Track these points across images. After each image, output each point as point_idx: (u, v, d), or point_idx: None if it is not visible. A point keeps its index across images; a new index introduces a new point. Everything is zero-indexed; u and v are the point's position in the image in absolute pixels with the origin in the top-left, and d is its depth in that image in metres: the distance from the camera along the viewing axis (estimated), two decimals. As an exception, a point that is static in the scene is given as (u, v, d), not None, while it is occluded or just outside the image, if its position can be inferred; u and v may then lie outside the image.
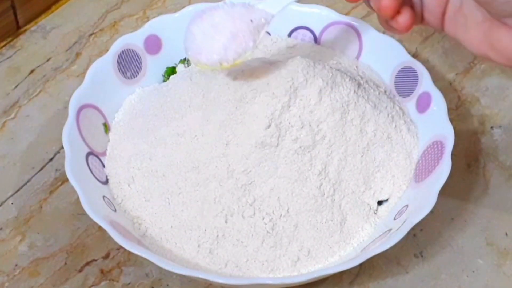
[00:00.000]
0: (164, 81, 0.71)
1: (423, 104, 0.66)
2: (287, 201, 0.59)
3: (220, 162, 0.59)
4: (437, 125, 0.64)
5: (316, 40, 0.73)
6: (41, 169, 0.68)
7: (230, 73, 0.62)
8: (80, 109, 0.64)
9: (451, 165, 0.60)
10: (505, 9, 0.48)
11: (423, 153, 0.64)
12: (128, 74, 0.69)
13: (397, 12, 0.54)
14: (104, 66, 0.68)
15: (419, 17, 0.56)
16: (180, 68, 0.71)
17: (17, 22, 0.80)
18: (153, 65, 0.71)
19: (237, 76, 0.62)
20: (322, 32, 0.73)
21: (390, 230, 0.58)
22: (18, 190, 0.67)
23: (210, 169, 0.59)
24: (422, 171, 0.62)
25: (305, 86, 0.60)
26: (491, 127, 0.72)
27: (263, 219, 0.58)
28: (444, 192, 0.58)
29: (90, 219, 0.56)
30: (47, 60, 0.78)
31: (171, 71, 0.71)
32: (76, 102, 0.64)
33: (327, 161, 0.61)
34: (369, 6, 0.56)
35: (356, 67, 0.71)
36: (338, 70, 0.66)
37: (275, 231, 0.58)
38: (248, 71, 0.62)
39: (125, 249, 0.55)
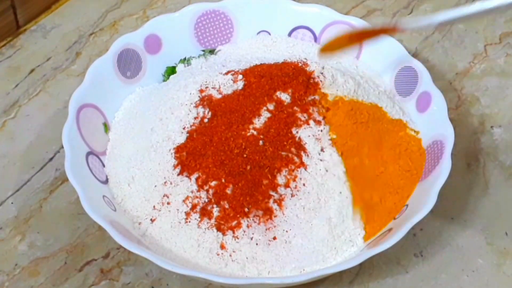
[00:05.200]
0: (164, 80, 0.71)
1: (423, 104, 0.66)
2: (287, 200, 0.59)
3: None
4: (437, 125, 0.64)
5: (316, 39, 0.73)
6: (41, 168, 0.68)
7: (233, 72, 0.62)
8: (80, 109, 0.64)
9: (451, 164, 0.60)
10: None
11: (423, 152, 0.64)
12: (128, 73, 0.69)
13: None
14: (104, 65, 0.68)
15: None
16: (180, 67, 0.71)
17: (17, 22, 0.80)
18: (153, 65, 0.71)
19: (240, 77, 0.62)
20: (322, 31, 0.73)
21: (390, 229, 0.58)
22: (18, 190, 0.67)
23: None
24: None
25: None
26: (491, 127, 0.72)
27: (263, 219, 0.58)
28: (444, 191, 0.58)
29: (90, 219, 0.56)
30: (47, 60, 0.78)
31: (171, 70, 0.71)
32: (76, 102, 0.64)
33: (327, 160, 0.61)
34: None
35: (356, 66, 0.71)
36: (338, 69, 0.66)
37: (275, 230, 0.58)
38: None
39: (125, 249, 0.55)
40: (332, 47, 0.63)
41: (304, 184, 0.59)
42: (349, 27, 0.71)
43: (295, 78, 0.64)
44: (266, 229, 0.58)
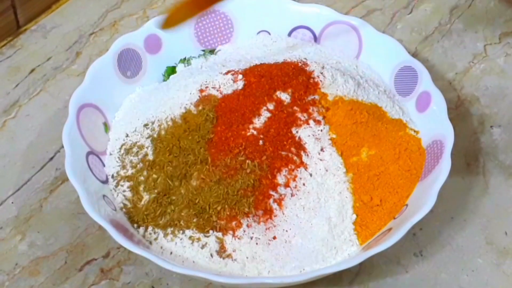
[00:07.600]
0: (164, 80, 0.71)
1: (422, 104, 0.66)
2: (287, 200, 0.59)
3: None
4: (436, 125, 0.64)
5: (316, 39, 0.73)
6: (42, 168, 0.68)
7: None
8: (80, 108, 0.64)
9: (450, 164, 0.60)
10: None
11: (422, 152, 0.64)
12: (128, 73, 0.69)
13: None
14: (104, 65, 0.68)
15: None
16: (180, 67, 0.71)
17: (18, 22, 0.80)
18: (153, 65, 0.71)
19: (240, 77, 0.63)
20: (322, 31, 0.73)
21: (390, 229, 0.58)
22: (18, 189, 0.67)
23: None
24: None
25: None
26: (491, 127, 0.72)
27: (263, 219, 0.58)
28: (444, 191, 0.58)
29: (90, 218, 0.56)
30: (47, 60, 0.78)
31: (171, 70, 0.71)
32: (76, 102, 0.64)
33: (327, 160, 0.61)
34: None
35: (356, 66, 0.71)
36: (338, 69, 0.66)
37: (275, 230, 0.58)
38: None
39: (125, 248, 0.55)
40: (175, 18, 0.59)
41: (304, 184, 0.60)
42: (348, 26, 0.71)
43: (295, 78, 0.64)
44: (266, 229, 0.58)
